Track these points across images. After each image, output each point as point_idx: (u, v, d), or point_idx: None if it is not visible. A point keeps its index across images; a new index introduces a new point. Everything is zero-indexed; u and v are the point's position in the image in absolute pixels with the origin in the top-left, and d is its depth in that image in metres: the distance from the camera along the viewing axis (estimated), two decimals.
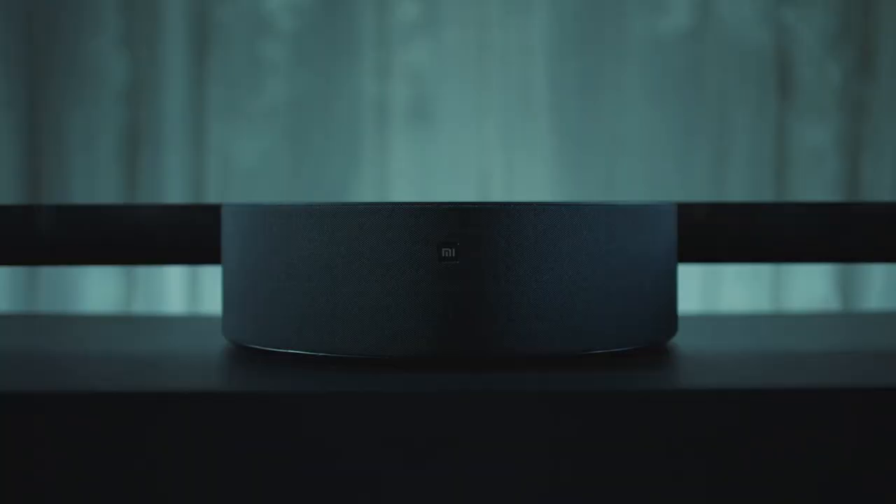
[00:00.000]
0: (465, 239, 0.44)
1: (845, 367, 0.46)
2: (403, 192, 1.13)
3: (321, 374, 0.43)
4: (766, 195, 1.16)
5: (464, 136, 1.15)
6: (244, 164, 1.17)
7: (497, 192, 1.14)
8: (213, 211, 0.63)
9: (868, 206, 0.69)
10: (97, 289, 1.16)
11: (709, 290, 1.13)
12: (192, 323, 0.63)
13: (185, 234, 0.65)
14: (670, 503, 0.39)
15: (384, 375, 0.42)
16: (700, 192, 1.16)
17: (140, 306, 1.14)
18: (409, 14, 1.17)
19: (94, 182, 1.14)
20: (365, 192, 1.14)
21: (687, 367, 0.45)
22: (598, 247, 0.45)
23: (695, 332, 0.54)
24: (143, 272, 1.15)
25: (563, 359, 0.45)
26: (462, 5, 1.16)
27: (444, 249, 0.44)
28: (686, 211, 0.66)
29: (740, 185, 1.15)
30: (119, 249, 0.66)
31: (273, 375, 0.43)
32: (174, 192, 1.15)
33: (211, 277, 1.14)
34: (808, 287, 1.17)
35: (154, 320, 0.68)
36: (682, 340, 0.51)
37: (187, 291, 1.14)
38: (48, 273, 1.15)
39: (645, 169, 1.15)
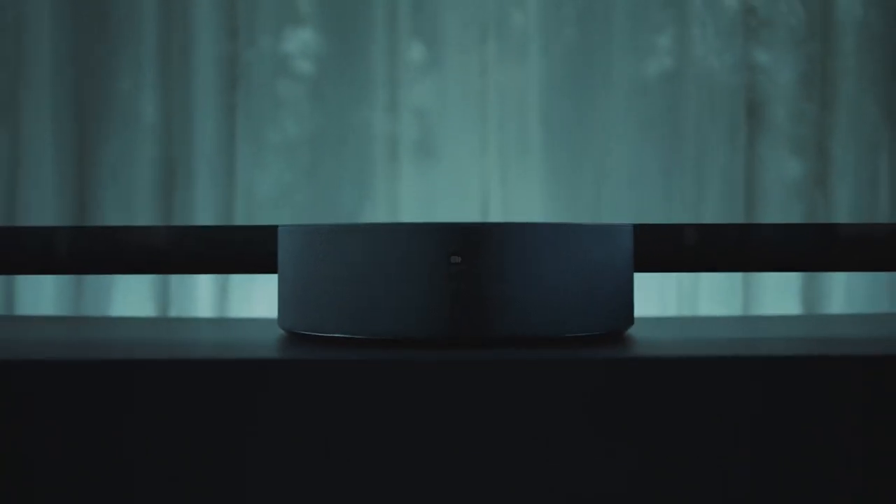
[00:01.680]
0: (469, 249, 0.59)
1: (767, 339, 0.61)
2: (412, 216, 1.27)
3: (359, 350, 0.58)
4: (737, 218, 1.29)
5: (466, 166, 1.28)
6: (267, 192, 1.30)
7: (496, 215, 1.27)
8: (263, 230, 0.79)
9: (829, 226, 0.84)
10: (132, 300, 1.30)
11: (684, 302, 1.28)
12: (248, 322, 0.77)
13: (235, 250, 0.79)
14: (619, 439, 0.54)
15: (407, 351, 0.57)
16: (678, 217, 1.29)
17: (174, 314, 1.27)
18: (416, 58, 1.30)
19: (133, 208, 1.28)
20: (377, 217, 1.27)
21: (636, 346, 0.60)
22: (570, 256, 0.60)
23: (649, 325, 0.69)
24: (176, 285, 1.28)
25: (541, 340, 0.60)
26: (463, 50, 1.29)
27: (452, 257, 0.59)
28: (673, 231, 0.81)
29: (713, 210, 1.29)
30: (178, 263, 0.81)
31: (323, 351, 0.58)
32: (205, 216, 1.28)
33: (236, 288, 1.27)
34: (775, 302, 1.31)
35: (212, 320, 0.83)
36: (636, 330, 0.66)
37: (216, 302, 1.28)
38: (90, 285, 1.29)
39: (628, 197, 1.28)
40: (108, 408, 0.54)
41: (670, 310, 1.26)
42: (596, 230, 0.62)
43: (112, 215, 1.28)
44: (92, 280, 1.29)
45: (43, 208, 1.29)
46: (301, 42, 1.32)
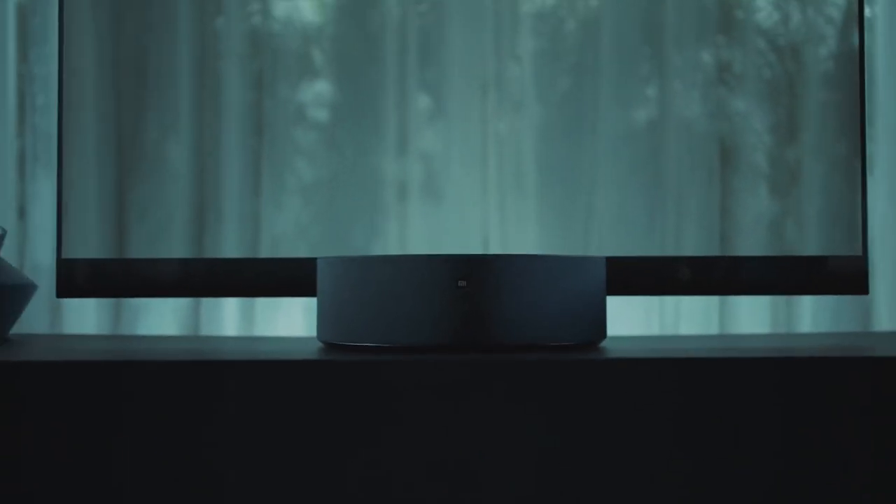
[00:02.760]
0: (472, 275, 0.76)
1: (723, 349, 0.77)
2: (420, 250, 1.42)
3: (385, 354, 0.74)
4: (713, 251, 1.45)
5: (468, 205, 1.43)
6: (287, 229, 1.45)
7: (495, 248, 1.42)
8: (301, 262, 0.95)
9: (788, 259, 1.01)
10: (165, 321, 1.46)
11: (667, 323, 1.43)
12: (290, 339, 0.94)
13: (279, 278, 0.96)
14: (586, 420, 0.70)
15: (423, 355, 0.74)
16: (659, 250, 1.44)
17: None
18: (423, 108, 1.45)
19: (168, 242, 1.43)
20: (388, 252, 1.43)
21: (605, 351, 0.77)
22: (553, 281, 0.77)
23: (619, 339, 0.86)
24: (205, 309, 1.44)
25: (529, 346, 0.77)
26: (466, 101, 1.44)
27: (459, 282, 0.75)
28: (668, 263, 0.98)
29: (692, 244, 1.45)
30: (224, 288, 0.97)
31: (356, 355, 0.74)
32: (231, 250, 1.43)
33: (261, 311, 1.43)
34: (750, 324, 1.48)
35: (258, 337, 1.00)
36: (607, 342, 0.83)
37: (242, 324, 1.44)
38: (127, 309, 1.45)
39: (615, 232, 1.43)
40: (193, 403, 0.70)
41: (654, 330, 1.43)
42: (574, 261, 0.79)
43: (148, 249, 1.44)
44: (127, 306, 1.45)
45: (86, 243, 1.45)
46: (317, 93, 1.46)
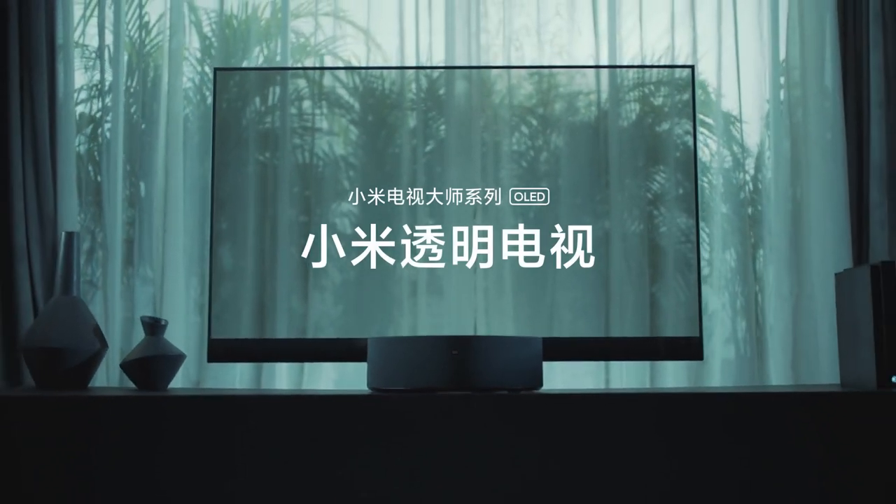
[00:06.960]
0: (462, 348, 1.35)
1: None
2: (425, 331, 1.92)
3: (409, 393, 1.32)
4: (644, 332, 1.98)
5: (462, 300, 1.92)
6: (321, 318, 1.97)
7: (482, 331, 1.92)
8: (354, 341, 1.53)
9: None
10: (237, 380, 1.98)
11: (614, 382, 1.97)
12: (350, 389, 1.51)
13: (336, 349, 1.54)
14: (529, 430, 1.28)
15: (431, 393, 1.32)
16: (604, 332, 1.98)
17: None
18: (429, 224, 1.96)
19: (238, 329, 1.95)
20: (401, 334, 1.93)
21: (536, 392, 1.34)
22: (509, 351, 1.36)
23: (550, 388, 1.44)
24: (267, 371, 1.97)
25: (493, 388, 1.35)
26: (461, 219, 1.95)
27: (453, 351, 1.34)
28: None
29: (629, 327, 1.97)
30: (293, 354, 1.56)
31: (394, 394, 1.32)
32: (282, 333, 1.96)
33: (308, 375, 1.96)
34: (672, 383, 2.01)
35: (322, 390, 1.57)
36: (542, 389, 1.41)
37: (294, 382, 1.97)
38: (209, 372, 1.98)
39: (572, 322, 1.95)
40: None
41: (601, 385, 1.96)
42: (522, 339, 1.38)
43: (224, 332, 1.95)
44: (210, 370, 1.99)
45: (177, 330, 1.99)
46: (345, 210, 1.97)
